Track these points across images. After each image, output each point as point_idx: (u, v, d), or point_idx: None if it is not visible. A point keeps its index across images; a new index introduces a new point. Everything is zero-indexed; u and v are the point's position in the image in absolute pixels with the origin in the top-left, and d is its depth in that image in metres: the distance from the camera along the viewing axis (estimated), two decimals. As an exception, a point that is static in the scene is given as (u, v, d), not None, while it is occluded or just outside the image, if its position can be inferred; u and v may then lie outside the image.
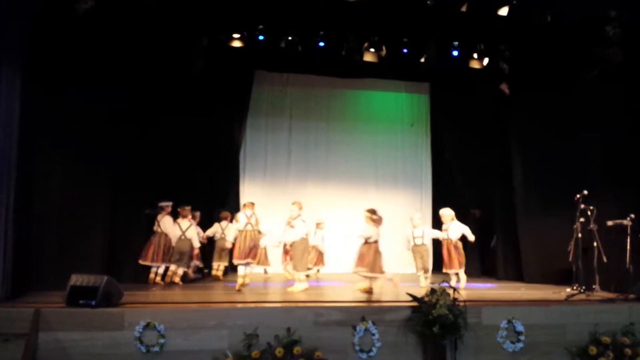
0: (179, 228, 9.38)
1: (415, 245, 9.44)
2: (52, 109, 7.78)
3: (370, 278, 7.97)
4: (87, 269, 6.92)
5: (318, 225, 10.46)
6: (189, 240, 9.38)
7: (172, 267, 9.27)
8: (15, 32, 6.84)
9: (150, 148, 9.27)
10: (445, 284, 6.65)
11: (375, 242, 8.09)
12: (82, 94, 8.16)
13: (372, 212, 8.23)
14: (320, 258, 10.55)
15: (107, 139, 8.48)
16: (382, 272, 8.00)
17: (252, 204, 9.14)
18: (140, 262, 9.17)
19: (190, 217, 9.55)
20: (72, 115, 8.06)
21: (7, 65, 6.70)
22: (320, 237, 10.48)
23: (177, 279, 9.22)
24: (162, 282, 9.18)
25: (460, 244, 9.38)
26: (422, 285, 9.01)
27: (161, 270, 9.30)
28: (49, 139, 7.83)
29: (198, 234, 9.69)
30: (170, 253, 9.25)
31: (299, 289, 8.26)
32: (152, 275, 9.24)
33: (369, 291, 7.90)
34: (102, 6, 7.79)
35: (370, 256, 7.97)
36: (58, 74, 7.85)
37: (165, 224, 9.35)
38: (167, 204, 9.43)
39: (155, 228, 9.38)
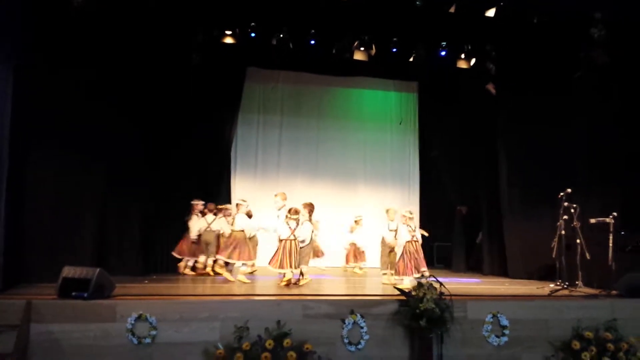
0: (205, 221, 9.85)
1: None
2: (45, 103, 7.79)
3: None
4: (80, 261, 6.96)
5: (357, 222, 10.55)
6: (214, 232, 9.83)
7: (201, 258, 9.81)
8: (8, 26, 6.84)
9: (143, 143, 9.30)
10: (432, 279, 6.76)
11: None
12: (76, 88, 8.18)
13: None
14: (361, 254, 10.83)
15: (100, 134, 8.51)
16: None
17: (237, 204, 9.05)
18: (174, 254, 9.84)
19: (215, 211, 10.03)
20: (65, 110, 8.08)
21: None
22: (359, 234, 10.66)
23: (218, 268, 9.49)
24: (193, 273, 9.74)
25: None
26: (383, 281, 9.01)
27: (190, 263, 9.95)
28: (42, 133, 7.85)
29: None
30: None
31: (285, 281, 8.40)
32: (182, 268, 9.88)
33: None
34: (97, 1, 7.81)
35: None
36: (52, 67, 7.86)
37: (192, 221, 9.88)
38: (196, 203, 9.95)
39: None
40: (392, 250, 9.09)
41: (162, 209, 9.90)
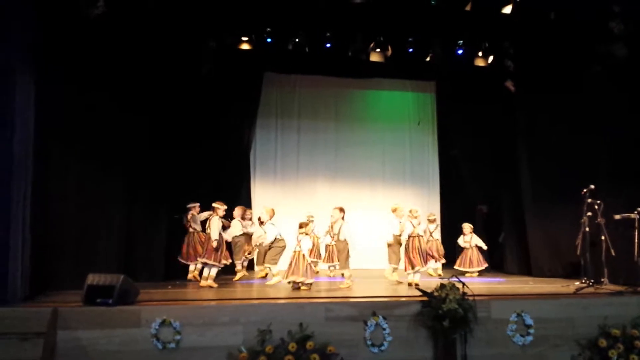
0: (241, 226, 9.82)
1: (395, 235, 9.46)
2: (67, 110, 7.90)
3: None
4: (104, 268, 7.05)
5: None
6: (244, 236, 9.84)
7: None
8: (28, 36, 6.96)
9: (163, 149, 9.42)
10: (454, 279, 6.71)
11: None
12: (96, 95, 8.31)
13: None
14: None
15: (121, 140, 8.66)
16: None
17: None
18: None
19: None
20: (86, 116, 8.20)
21: (21, 69, 6.82)
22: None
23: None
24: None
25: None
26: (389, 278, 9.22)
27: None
28: (64, 140, 7.96)
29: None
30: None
31: (273, 282, 8.70)
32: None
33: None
34: (114, 11, 7.92)
35: None
36: (71, 76, 7.98)
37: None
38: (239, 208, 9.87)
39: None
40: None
41: (183, 215, 9.96)
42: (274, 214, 9.19)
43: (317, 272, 10.70)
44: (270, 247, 9.02)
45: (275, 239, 8.97)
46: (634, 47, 8.91)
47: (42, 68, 7.19)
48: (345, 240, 8.81)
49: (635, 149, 9.22)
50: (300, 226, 8.54)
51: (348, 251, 8.83)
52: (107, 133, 8.45)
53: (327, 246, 10.21)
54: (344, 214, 8.98)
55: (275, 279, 8.78)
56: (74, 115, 8.05)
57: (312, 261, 8.75)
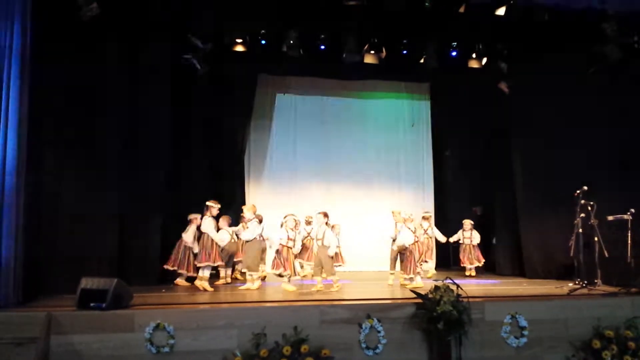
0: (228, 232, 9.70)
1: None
2: (61, 114, 7.90)
3: None
4: (97, 272, 7.02)
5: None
6: (236, 243, 9.77)
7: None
8: (22, 38, 6.90)
9: (157, 152, 9.37)
10: (449, 281, 6.72)
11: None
12: (89, 100, 8.29)
13: None
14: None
15: (115, 144, 8.61)
16: None
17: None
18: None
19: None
20: (80, 121, 8.19)
21: (15, 68, 6.76)
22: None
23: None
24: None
25: None
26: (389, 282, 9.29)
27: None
28: (58, 144, 7.94)
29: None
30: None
31: (254, 288, 8.57)
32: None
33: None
34: (108, 13, 7.91)
35: None
36: (65, 78, 7.97)
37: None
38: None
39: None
40: (402, 251, 9.20)
41: (178, 218, 9.92)
42: (256, 209, 9.13)
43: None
44: (251, 246, 8.85)
45: (256, 238, 8.79)
46: (627, 49, 8.95)
47: (36, 70, 7.13)
48: (328, 245, 8.71)
49: (629, 150, 9.28)
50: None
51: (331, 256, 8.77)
52: (101, 137, 8.42)
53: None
54: (328, 219, 8.95)
55: (256, 283, 8.72)
56: (69, 119, 8.03)
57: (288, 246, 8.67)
